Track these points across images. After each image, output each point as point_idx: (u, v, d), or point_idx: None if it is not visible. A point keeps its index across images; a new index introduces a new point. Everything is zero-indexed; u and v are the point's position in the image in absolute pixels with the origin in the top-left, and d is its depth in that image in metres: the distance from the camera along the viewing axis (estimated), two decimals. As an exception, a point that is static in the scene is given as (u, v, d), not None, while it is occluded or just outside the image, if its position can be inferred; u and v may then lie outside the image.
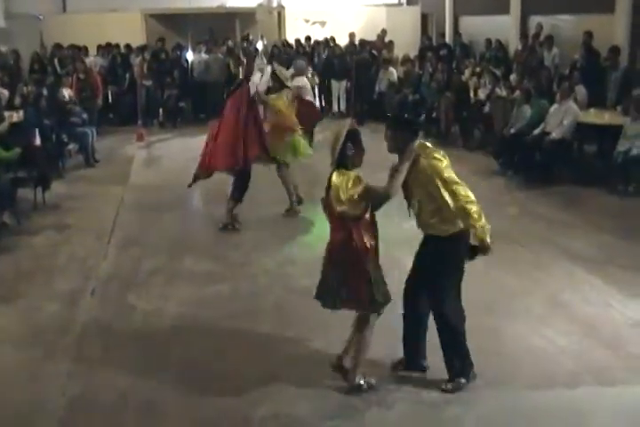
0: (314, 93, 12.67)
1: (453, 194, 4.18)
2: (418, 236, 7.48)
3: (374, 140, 11.85)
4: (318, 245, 7.02)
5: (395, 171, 4.26)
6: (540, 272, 6.24)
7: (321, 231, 7.47)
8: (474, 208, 4.19)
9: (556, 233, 7.25)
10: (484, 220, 4.20)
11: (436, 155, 4.27)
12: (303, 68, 10.70)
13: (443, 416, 4.21)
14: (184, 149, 12.14)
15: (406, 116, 4.48)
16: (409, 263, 6.64)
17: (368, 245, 4.24)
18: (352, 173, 4.20)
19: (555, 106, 9.52)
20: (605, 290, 5.82)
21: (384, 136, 4.42)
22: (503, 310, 5.48)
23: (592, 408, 4.23)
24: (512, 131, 9.87)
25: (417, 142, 4.31)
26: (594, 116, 9.86)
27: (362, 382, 4.41)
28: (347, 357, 4.46)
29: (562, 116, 9.31)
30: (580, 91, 10.41)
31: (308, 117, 9.11)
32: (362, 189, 4.12)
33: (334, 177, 4.21)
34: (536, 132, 9.49)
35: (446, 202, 4.19)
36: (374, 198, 4.21)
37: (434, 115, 12.34)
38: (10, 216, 7.84)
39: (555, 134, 9.23)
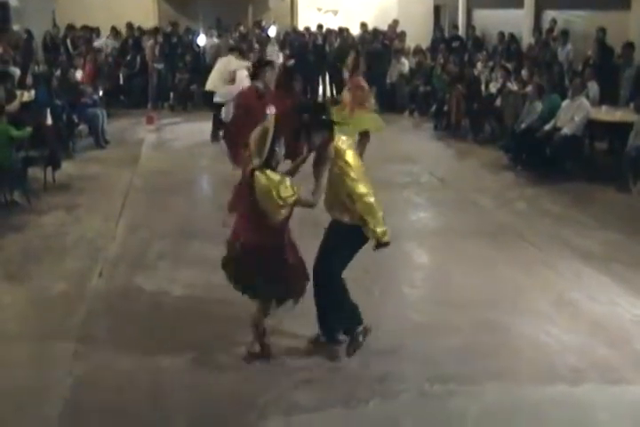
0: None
1: (353, 182, 4.38)
2: (426, 228, 7.47)
3: (386, 132, 11.86)
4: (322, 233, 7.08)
5: (317, 174, 4.38)
6: (546, 269, 6.24)
7: (325, 222, 7.52)
8: (371, 200, 4.41)
9: (564, 230, 7.25)
10: (380, 214, 4.44)
11: (344, 143, 4.45)
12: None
13: (446, 408, 4.23)
14: (194, 132, 12.18)
15: (323, 117, 4.48)
16: (417, 258, 6.72)
17: (285, 241, 4.44)
18: (286, 180, 4.25)
19: (566, 102, 9.49)
20: (612, 288, 5.81)
21: (302, 137, 4.48)
22: (509, 306, 5.48)
23: (595, 405, 4.23)
24: (523, 125, 9.84)
25: (334, 141, 4.40)
26: (605, 114, 9.82)
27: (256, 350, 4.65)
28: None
29: (573, 113, 9.27)
30: (593, 87, 10.37)
31: None
32: (295, 198, 4.24)
33: (263, 179, 4.21)
34: (547, 127, 9.46)
35: (349, 188, 4.38)
36: (301, 205, 4.36)
37: (445, 107, 12.31)
38: (20, 195, 7.88)
39: (566, 130, 9.20)
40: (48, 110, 9.04)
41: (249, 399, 4.26)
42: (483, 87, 12.19)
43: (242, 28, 16.53)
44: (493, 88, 11.86)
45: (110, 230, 7.17)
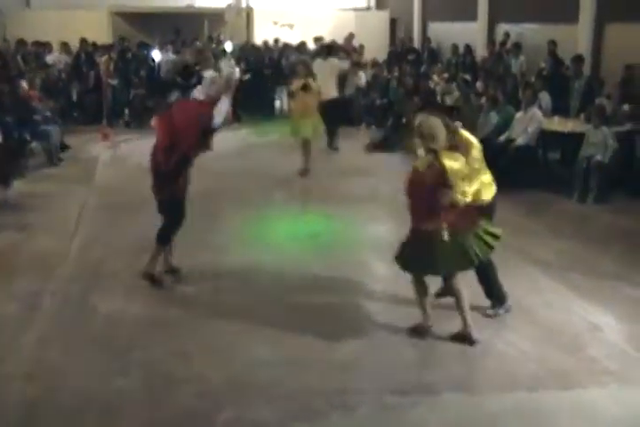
0: None
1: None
2: (384, 241, 7.45)
3: (344, 145, 11.82)
4: (282, 247, 7.04)
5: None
6: (503, 277, 6.24)
7: (286, 235, 7.50)
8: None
9: (519, 239, 7.31)
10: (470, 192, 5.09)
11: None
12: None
13: (406, 420, 4.22)
14: (150, 149, 12.00)
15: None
16: (376, 270, 6.72)
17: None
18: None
19: (520, 113, 9.64)
20: (567, 296, 5.90)
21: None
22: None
23: (553, 411, 4.28)
24: (479, 137, 9.94)
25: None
26: (557, 124, 10.01)
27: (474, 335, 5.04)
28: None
29: (526, 124, 9.42)
30: (545, 97, 10.57)
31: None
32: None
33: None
34: (502, 138, 9.59)
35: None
36: None
37: (404, 120, 12.36)
38: (-31, 215, 7.69)
39: (520, 141, 9.34)
40: (-3, 128, 8.88)
41: (209, 417, 4.20)
42: (439, 99, 12.30)
43: (198, 42, 16.49)
44: (449, 100, 11.99)
45: (64, 249, 7.02)
